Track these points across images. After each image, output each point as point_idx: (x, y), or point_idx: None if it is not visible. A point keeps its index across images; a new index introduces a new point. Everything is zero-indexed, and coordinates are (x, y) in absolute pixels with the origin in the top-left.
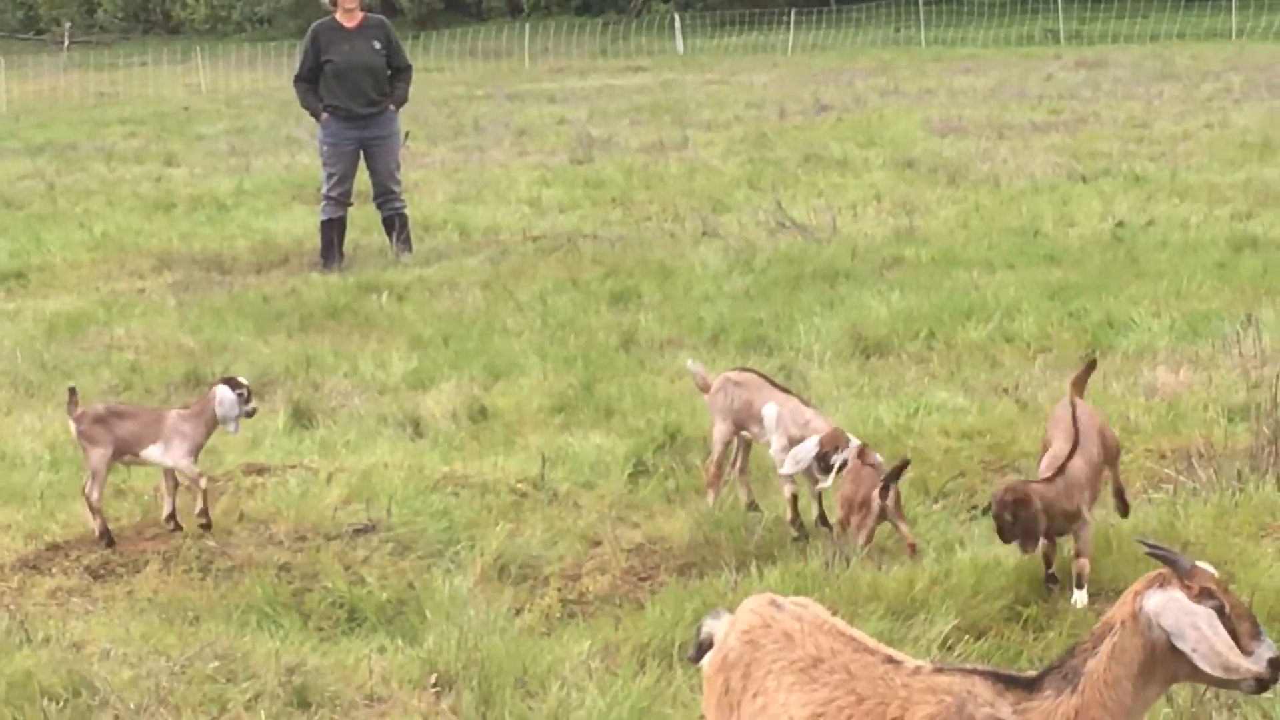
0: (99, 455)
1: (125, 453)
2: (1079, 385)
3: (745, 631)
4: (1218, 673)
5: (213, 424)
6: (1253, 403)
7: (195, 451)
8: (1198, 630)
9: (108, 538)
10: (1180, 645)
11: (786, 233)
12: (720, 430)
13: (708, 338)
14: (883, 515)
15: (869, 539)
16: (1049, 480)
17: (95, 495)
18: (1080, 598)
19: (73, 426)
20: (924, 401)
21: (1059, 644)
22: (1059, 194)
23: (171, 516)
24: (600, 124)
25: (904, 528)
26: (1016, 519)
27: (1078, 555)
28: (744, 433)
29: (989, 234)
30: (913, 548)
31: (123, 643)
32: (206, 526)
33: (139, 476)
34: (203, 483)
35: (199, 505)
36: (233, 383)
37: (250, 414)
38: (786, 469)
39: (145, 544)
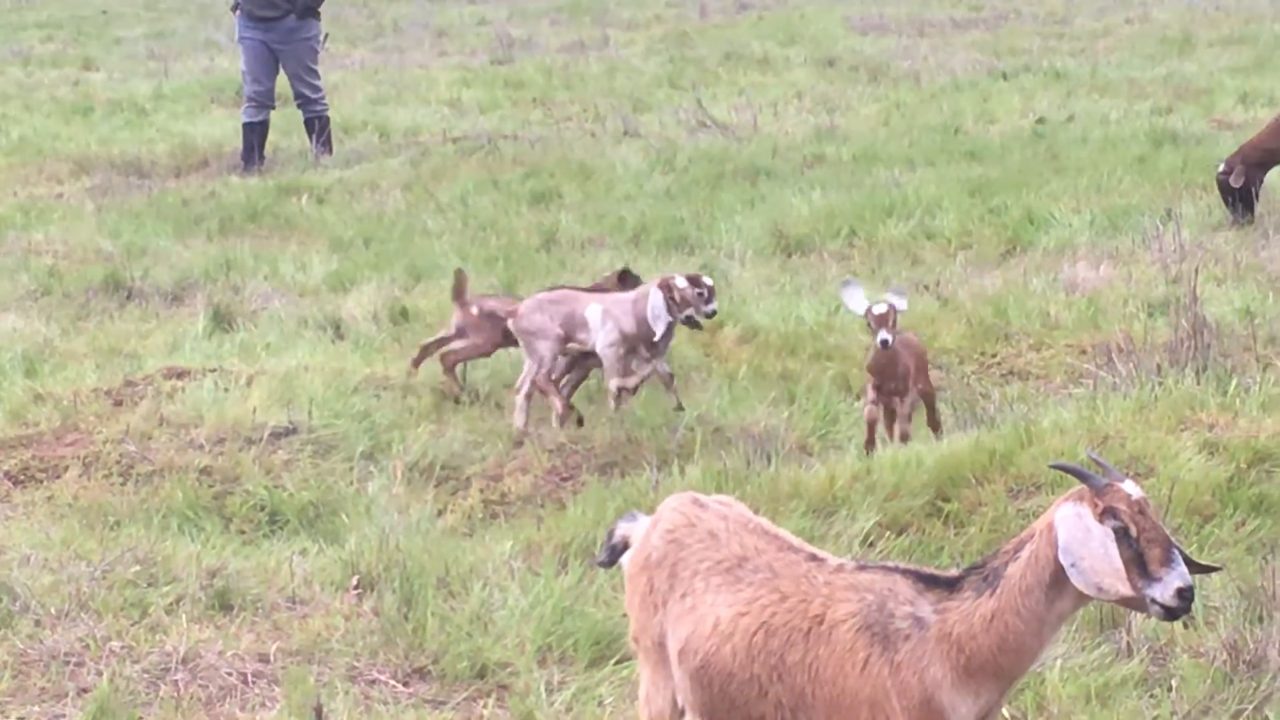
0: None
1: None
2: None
3: (669, 531)
4: (1090, 592)
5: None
6: (1172, 297)
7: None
8: (1085, 547)
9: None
10: (1061, 559)
11: (707, 132)
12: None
13: (629, 237)
14: None
15: None
16: None
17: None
18: None
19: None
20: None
21: (980, 539)
22: (979, 91)
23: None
24: (520, 24)
25: None
26: None
27: None
28: (572, 344)
29: (910, 131)
30: None
31: (43, 548)
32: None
33: (59, 383)
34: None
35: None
36: (666, 286)
37: (681, 321)
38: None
39: (65, 449)
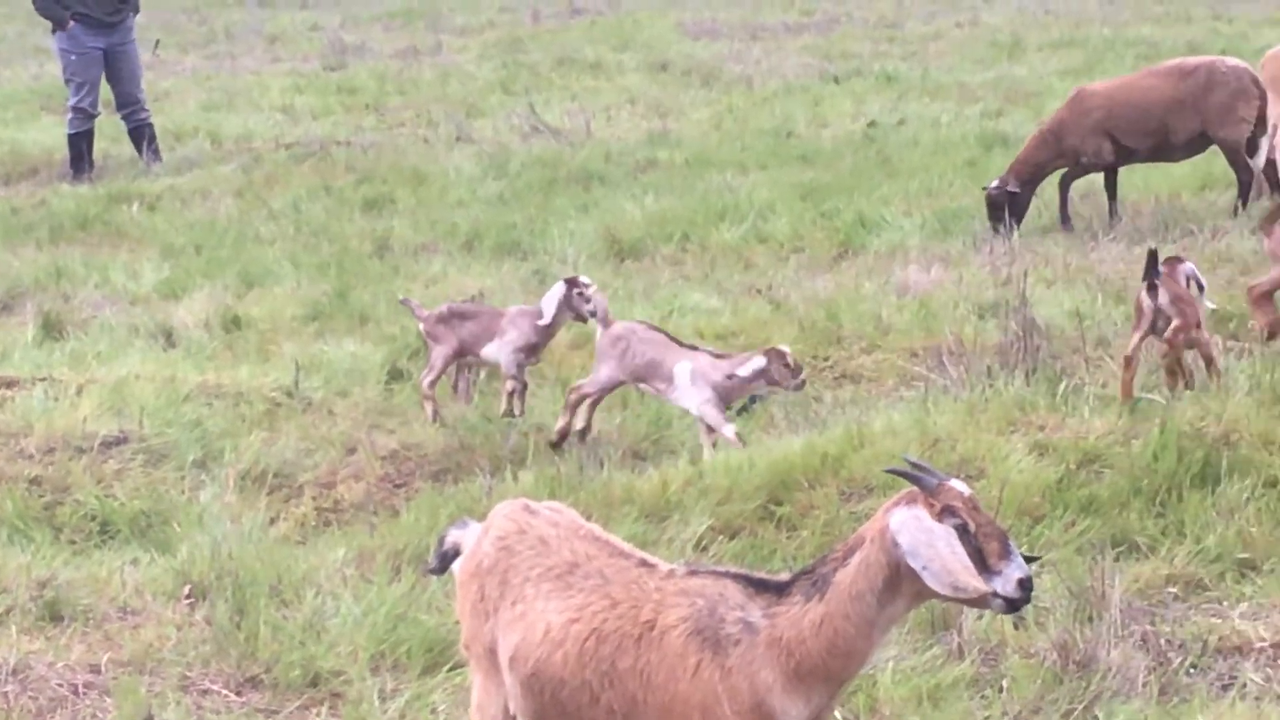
0: (440, 352)
1: (466, 353)
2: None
3: (500, 538)
4: (946, 592)
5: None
6: (1002, 300)
7: (524, 350)
8: (932, 549)
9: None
10: (912, 563)
11: (540, 137)
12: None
13: (462, 243)
14: None
15: None
16: None
17: (427, 383)
18: None
19: (420, 327)
20: (679, 303)
21: (812, 542)
22: (811, 95)
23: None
24: (353, 30)
25: None
26: None
27: None
28: (642, 385)
29: (742, 135)
30: None
31: None
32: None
33: None
34: (509, 385)
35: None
36: (572, 282)
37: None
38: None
39: None
